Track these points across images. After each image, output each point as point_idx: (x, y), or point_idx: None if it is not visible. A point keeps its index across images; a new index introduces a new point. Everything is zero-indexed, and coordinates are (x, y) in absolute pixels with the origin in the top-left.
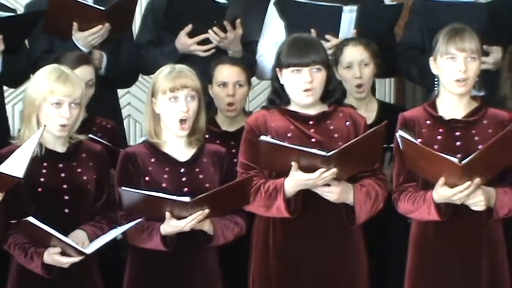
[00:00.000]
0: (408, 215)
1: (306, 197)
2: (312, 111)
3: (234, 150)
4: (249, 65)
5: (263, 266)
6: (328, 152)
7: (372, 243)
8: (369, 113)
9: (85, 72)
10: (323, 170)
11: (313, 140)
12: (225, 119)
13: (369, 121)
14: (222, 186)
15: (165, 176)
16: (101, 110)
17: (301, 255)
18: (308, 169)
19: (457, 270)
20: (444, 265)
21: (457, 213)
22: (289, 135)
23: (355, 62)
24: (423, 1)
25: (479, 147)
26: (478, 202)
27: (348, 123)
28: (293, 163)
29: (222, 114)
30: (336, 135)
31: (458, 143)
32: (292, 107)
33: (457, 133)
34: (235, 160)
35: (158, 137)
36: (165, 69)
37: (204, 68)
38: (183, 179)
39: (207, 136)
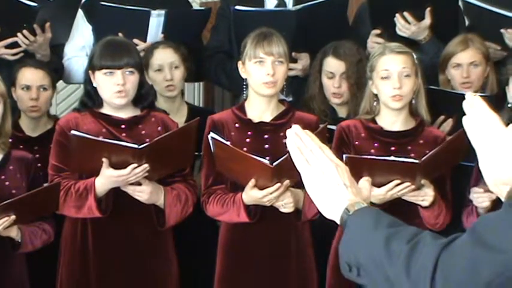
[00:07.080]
0: (217, 218)
1: (117, 197)
2: (124, 115)
3: (38, 156)
4: (56, 68)
5: (72, 269)
6: (140, 145)
7: (183, 245)
8: (179, 117)
9: None
10: (135, 165)
11: None
12: (29, 123)
13: (180, 126)
14: (29, 192)
15: None
16: None
17: (111, 256)
18: (119, 166)
19: (266, 272)
20: (253, 267)
21: (265, 215)
22: (100, 138)
23: (166, 64)
24: (232, 10)
25: (288, 149)
26: (286, 204)
27: (159, 128)
28: (104, 159)
29: (26, 118)
30: (147, 140)
31: (266, 146)
32: (104, 110)
33: (266, 136)
34: (39, 165)
35: None
36: None
37: (10, 71)
38: None
39: (10, 140)
